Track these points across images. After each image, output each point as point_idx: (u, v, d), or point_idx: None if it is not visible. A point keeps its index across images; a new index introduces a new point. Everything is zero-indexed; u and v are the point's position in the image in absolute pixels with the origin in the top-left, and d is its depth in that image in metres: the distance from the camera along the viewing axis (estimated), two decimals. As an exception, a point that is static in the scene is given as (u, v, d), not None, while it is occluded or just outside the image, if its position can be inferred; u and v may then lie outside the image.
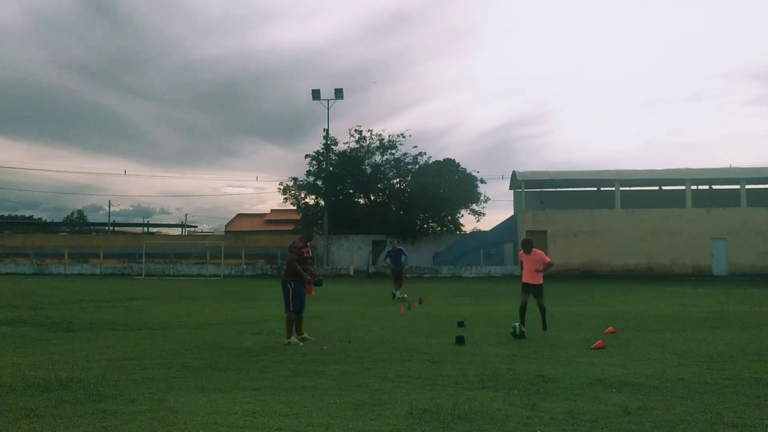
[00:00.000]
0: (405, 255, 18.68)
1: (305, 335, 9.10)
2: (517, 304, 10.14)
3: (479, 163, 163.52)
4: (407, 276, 24.47)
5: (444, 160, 45.39)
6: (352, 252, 42.71)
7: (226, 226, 65.62)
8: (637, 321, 12.09)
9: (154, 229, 68.68)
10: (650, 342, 9.02)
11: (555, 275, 37.29)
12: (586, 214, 39.12)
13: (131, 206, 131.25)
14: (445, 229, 45.36)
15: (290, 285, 9.03)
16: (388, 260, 19.13)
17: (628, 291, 23.23)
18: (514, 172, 42.57)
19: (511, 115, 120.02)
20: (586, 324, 11.48)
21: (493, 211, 66.84)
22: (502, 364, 7.17)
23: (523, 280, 10.14)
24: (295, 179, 46.28)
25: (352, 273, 40.43)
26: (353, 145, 45.42)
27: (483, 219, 49.29)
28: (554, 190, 44.28)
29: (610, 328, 10.20)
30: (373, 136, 45.43)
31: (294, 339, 8.90)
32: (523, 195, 40.69)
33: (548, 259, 10.08)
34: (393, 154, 45.18)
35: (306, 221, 47.89)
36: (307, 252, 9.26)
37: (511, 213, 44.22)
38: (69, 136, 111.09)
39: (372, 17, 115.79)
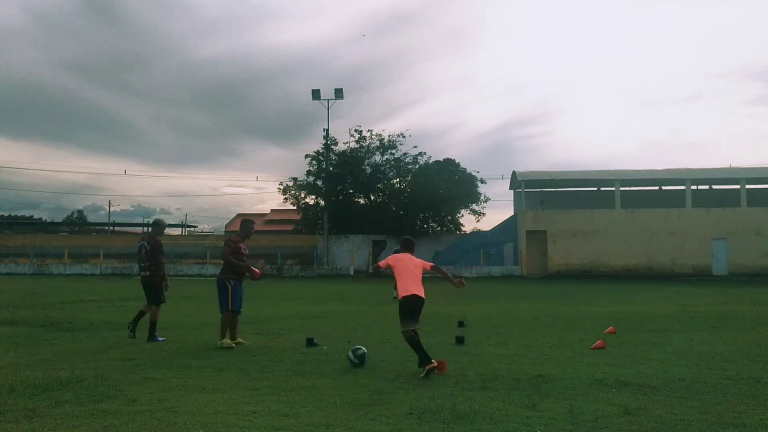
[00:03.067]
0: None
1: (240, 340, 8.78)
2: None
3: (479, 163, 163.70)
4: None
5: (444, 160, 45.45)
6: (352, 252, 42.70)
7: (226, 226, 65.56)
8: (637, 321, 12.08)
9: (154, 229, 68.52)
10: (650, 342, 9.01)
11: (555, 275, 37.40)
12: (586, 214, 39.10)
13: (131, 206, 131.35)
14: (445, 229, 45.39)
15: (229, 283, 8.81)
16: None
17: (628, 291, 23.21)
18: (514, 172, 42.57)
19: (511, 115, 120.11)
20: (586, 324, 11.47)
21: (493, 211, 66.97)
22: (502, 364, 7.17)
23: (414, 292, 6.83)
24: (295, 179, 46.37)
25: (352, 273, 40.42)
26: (353, 145, 45.52)
27: (483, 219, 49.44)
28: (554, 190, 44.28)
29: (610, 328, 10.19)
30: (373, 136, 45.53)
31: (227, 340, 8.54)
32: (523, 195, 40.69)
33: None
34: (393, 154, 45.26)
35: (306, 221, 47.98)
36: (244, 249, 9.15)
37: (511, 213, 44.25)
38: (69, 136, 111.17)
39: (371, 17, 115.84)
